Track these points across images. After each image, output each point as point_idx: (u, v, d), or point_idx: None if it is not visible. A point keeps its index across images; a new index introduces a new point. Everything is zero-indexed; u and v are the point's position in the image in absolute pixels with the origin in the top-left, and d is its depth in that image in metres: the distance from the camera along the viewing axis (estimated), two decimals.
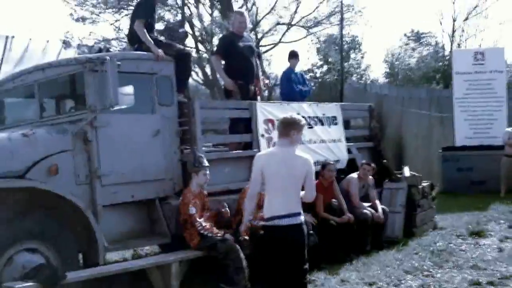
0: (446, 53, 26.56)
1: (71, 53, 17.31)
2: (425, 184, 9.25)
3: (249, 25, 10.09)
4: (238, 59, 7.82)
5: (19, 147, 5.40)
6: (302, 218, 4.79)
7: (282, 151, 4.78)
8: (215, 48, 12.95)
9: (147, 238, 6.32)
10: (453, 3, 28.88)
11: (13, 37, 15.20)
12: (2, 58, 14.42)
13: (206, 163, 6.23)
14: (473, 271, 6.50)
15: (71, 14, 19.97)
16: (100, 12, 20.18)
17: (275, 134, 7.45)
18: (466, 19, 28.60)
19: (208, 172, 6.23)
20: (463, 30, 28.81)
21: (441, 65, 22.23)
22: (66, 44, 18.36)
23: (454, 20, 28.73)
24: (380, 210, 8.07)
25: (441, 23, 30.83)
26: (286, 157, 4.74)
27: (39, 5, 45.01)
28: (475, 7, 28.41)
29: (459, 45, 28.33)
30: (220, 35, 18.28)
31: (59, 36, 20.66)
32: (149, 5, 7.01)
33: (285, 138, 4.79)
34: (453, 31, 28.80)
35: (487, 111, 13.59)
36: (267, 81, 8.81)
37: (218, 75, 8.66)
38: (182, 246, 6.18)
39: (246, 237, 5.93)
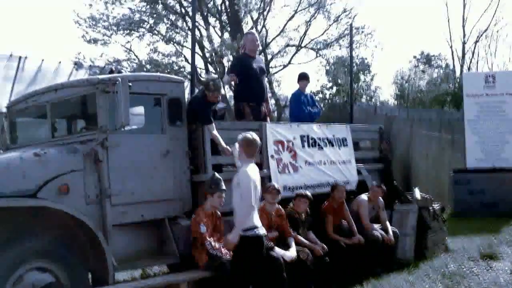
0: (457, 75, 26.53)
1: (82, 74, 17.50)
2: (436, 206, 9.19)
3: (259, 47, 10.22)
4: (250, 80, 7.88)
5: (31, 166, 5.43)
6: None
7: (256, 168, 5.53)
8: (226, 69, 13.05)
9: (156, 257, 6.31)
10: (463, 26, 28.82)
11: (26, 57, 15.41)
12: (15, 78, 14.60)
13: (223, 187, 6.22)
14: None
15: (83, 36, 20.15)
16: (111, 34, 20.38)
17: (285, 155, 7.49)
18: (476, 42, 28.64)
19: (223, 195, 6.23)
20: (473, 53, 28.84)
21: (451, 87, 22.21)
22: (78, 65, 18.54)
23: (464, 43, 28.77)
24: (390, 232, 8.01)
25: (451, 46, 30.73)
26: (258, 173, 5.52)
27: (52, 27, 45.63)
28: (485, 30, 28.46)
29: (469, 67, 28.33)
30: (230, 57, 18.41)
31: (70, 57, 20.89)
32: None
33: (253, 157, 5.59)
34: (463, 54, 28.81)
35: (499, 134, 13.52)
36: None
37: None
38: (191, 266, 6.17)
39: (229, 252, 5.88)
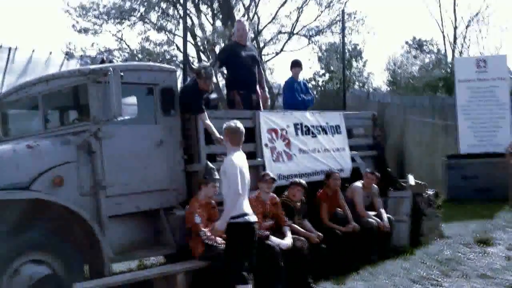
0: (449, 60, 26.54)
1: (73, 64, 17.38)
2: (430, 192, 9.21)
3: (251, 35, 10.16)
4: (239, 69, 7.84)
5: (24, 158, 5.40)
6: None
7: (243, 156, 5.48)
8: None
9: (152, 248, 6.30)
10: (454, 10, 28.84)
11: (16, 48, 15.29)
12: (5, 70, 14.50)
13: (217, 176, 6.19)
14: (481, 280, 6.45)
15: (73, 26, 19.95)
16: (102, 23, 20.19)
17: (278, 144, 7.47)
18: (468, 26, 28.63)
19: (217, 184, 6.20)
20: (464, 38, 28.84)
21: (443, 72, 22.18)
22: (69, 55, 18.39)
23: (455, 28, 28.76)
24: (385, 218, 8.02)
25: (442, 31, 30.68)
26: (245, 161, 5.49)
27: (42, 17, 45.23)
28: (477, 14, 28.46)
29: (461, 52, 28.34)
30: (222, 45, 18.31)
31: (61, 47, 20.67)
32: None
33: (239, 145, 5.50)
34: (455, 39, 28.81)
35: (491, 119, 13.56)
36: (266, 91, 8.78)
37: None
38: (187, 256, 6.16)
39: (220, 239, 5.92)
